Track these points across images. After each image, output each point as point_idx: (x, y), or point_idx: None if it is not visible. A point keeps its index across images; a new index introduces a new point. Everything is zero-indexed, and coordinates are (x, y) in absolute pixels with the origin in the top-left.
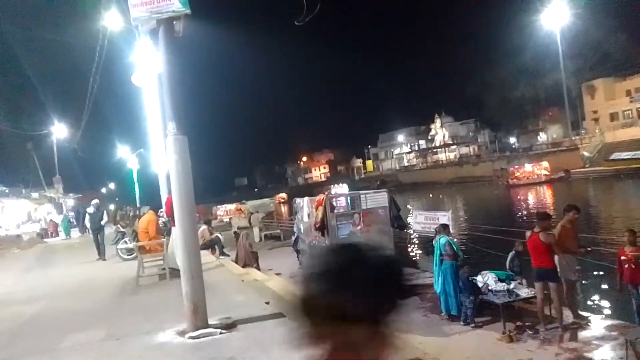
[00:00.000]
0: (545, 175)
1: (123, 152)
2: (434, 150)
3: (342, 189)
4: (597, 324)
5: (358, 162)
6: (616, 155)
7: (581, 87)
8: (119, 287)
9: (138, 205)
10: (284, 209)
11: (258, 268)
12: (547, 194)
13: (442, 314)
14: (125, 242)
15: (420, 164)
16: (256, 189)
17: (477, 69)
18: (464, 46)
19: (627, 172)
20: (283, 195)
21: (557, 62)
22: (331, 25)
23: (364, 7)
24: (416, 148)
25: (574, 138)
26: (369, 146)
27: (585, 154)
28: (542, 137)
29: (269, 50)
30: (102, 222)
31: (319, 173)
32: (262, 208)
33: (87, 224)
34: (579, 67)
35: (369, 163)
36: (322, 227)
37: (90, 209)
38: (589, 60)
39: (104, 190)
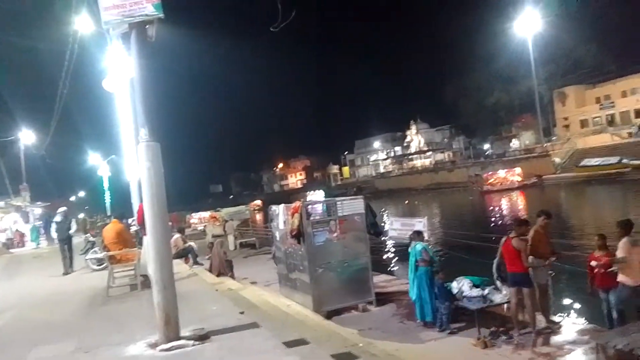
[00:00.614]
0: (519, 181)
1: (94, 159)
2: (410, 156)
3: (318, 195)
4: (569, 329)
5: (334, 169)
6: (586, 162)
7: (553, 94)
8: (88, 298)
9: (109, 213)
10: (259, 216)
11: (233, 277)
12: (520, 200)
13: (418, 321)
14: (95, 251)
15: (396, 171)
16: (231, 196)
17: (452, 75)
18: (440, 53)
19: (597, 177)
20: (258, 202)
21: (530, 69)
22: (307, 31)
23: (341, 14)
24: (392, 154)
25: (545, 144)
26: (346, 153)
27: (557, 160)
28: (515, 143)
29: (244, 56)
30: (71, 232)
31: (295, 180)
32: (237, 216)
33: (54, 234)
34: (551, 74)
35: (346, 170)
36: (298, 234)
37: (57, 217)
38: (560, 67)
39: (73, 198)
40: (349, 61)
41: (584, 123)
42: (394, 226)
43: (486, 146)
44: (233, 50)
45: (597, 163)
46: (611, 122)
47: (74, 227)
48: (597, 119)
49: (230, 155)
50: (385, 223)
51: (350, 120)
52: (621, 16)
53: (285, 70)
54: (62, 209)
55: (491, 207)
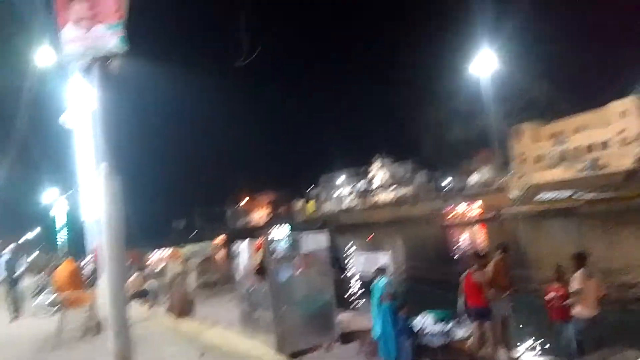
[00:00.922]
0: (479, 214)
1: (51, 195)
2: (374, 191)
3: (283, 230)
4: None
5: (300, 204)
6: (542, 196)
7: (510, 130)
8: (38, 343)
9: (63, 253)
10: (222, 252)
11: (193, 317)
12: (480, 233)
13: (382, 359)
14: (47, 293)
15: (361, 205)
16: (194, 232)
17: (414, 111)
18: (403, 89)
19: (552, 211)
20: (222, 238)
21: (489, 105)
22: (272, 66)
23: (306, 47)
24: (356, 189)
25: (503, 179)
26: (311, 187)
27: (514, 194)
28: (475, 177)
29: (208, 90)
30: (19, 272)
31: (260, 215)
32: (199, 252)
33: (1, 274)
34: (508, 111)
35: (311, 204)
36: (262, 271)
37: (5, 257)
38: (516, 104)
39: (28, 236)
40: (314, 96)
41: (539, 158)
42: (359, 261)
43: (447, 180)
44: (198, 84)
45: (552, 197)
46: (565, 157)
47: (22, 266)
48: (551, 154)
49: (194, 189)
50: (349, 258)
51: (315, 155)
52: (572, 58)
53: (250, 105)
54: (11, 246)
55: (453, 241)
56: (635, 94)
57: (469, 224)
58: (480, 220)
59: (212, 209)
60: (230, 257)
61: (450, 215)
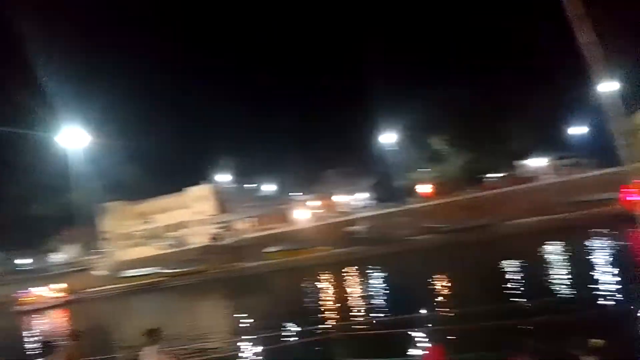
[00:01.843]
0: (62, 297)
1: None
2: None
3: None
4: None
5: None
6: (127, 273)
7: (98, 208)
8: None
9: None
10: None
11: None
12: (62, 317)
13: None
14: None
15: None
16: None
17: None
18: None
19: (139, 287)
20: None
21: (75, 182)
22: None
23: None
24: None
25: (90, 257)
26: None
27: (101, 272)
28: (61, 256)
29: None
30: None
31: None
32: None
33: None
34: (97, 188)
35: None
36: None
37: None
38: (107, 183)
39: None
40: None
41: (127, 236)
42: None
43: (28, 261)
44: None
45: (137, 274)
46: (151, 235)
47: None
48: (138, 232)
49: None
50: None
51: None
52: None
53: None
54: None
55: (29, 330)
56: (209, 182)
57: (49, 308)
58: (64, 302)
59: None
60: None
61: (25, 299)
